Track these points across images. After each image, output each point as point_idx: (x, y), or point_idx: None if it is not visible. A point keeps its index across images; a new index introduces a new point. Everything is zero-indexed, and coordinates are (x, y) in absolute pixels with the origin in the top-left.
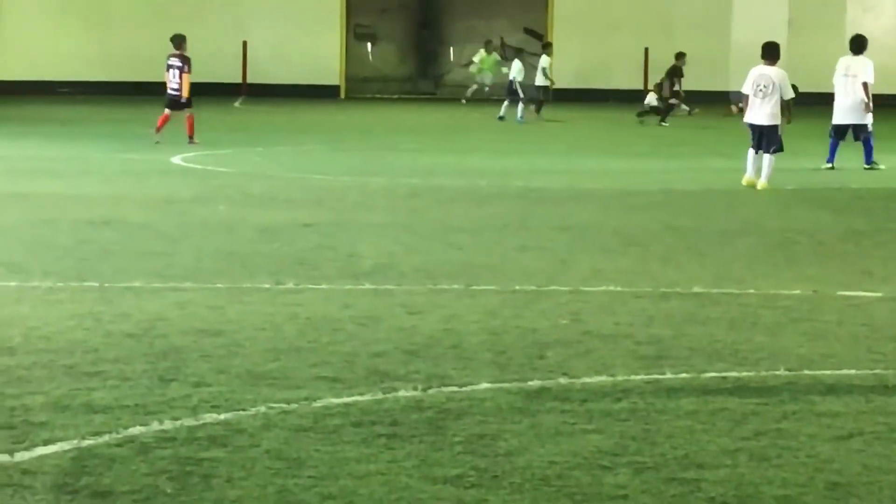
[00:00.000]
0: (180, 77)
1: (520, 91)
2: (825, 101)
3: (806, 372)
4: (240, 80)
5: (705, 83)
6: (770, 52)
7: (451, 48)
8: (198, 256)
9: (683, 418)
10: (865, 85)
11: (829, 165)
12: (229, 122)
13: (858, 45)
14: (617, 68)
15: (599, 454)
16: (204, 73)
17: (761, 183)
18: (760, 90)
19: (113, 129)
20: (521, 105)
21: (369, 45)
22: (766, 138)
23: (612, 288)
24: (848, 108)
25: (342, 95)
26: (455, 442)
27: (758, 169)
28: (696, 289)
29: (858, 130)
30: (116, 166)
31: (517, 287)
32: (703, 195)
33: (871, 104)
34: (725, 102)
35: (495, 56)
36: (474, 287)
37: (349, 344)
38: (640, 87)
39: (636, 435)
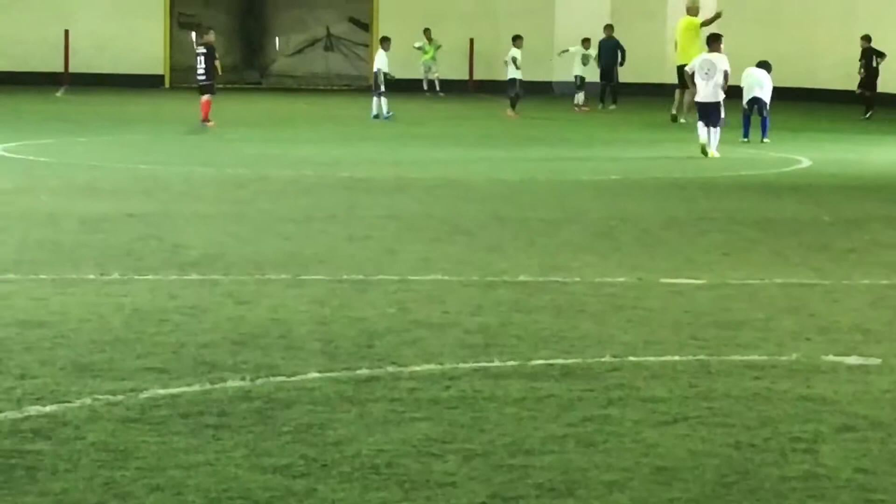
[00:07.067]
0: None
1: (382, 84)
2: (646, 92)
3: (631, 358)
4: (62, 70)
5: (529, 73)
6: (714, 40)
7: (277, 38)
8: (20, 247)
9: (511, 405)
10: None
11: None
12: (51, 111)
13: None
14: (442, 59)
15: (428, 442)
16: (25, 62)
17: (710, 152)
18: (706, 73)
19: None
20: (382, 99)
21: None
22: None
23: (439, 277)
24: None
25: (167, 85)
26: (284, 431)
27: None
28: (523, 277)
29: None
30: None
31: (345, 276)
32: (528, 185)
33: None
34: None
35: (437, 43)
36: (302, 277)
37: (176, 335)
38: (466, 77)
39: (465, 422)
